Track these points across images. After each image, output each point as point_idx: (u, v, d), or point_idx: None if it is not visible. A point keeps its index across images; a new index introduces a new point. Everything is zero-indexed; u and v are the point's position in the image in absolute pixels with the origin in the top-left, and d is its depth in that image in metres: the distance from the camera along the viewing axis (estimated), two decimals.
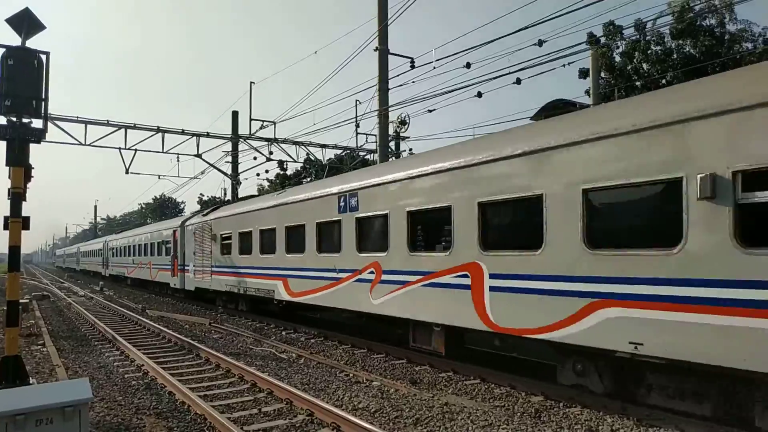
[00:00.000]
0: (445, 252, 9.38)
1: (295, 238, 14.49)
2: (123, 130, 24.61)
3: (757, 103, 5.57)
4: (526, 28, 13.10)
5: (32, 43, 7.67)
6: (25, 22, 7.52)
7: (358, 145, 26.65)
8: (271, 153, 27.46)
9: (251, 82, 26.62)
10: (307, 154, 28.88)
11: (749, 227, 5.63)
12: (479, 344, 10.44)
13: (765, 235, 5.51)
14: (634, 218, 6.92)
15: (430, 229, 10.02)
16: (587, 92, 21.13)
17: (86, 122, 23.79)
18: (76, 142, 23.68)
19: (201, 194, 63.40)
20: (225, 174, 29.26)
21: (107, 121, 24.35)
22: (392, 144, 23.76)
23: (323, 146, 28.88)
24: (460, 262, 9.03)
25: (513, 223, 8.63)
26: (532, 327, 7.74)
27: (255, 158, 28.06)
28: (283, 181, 41.04)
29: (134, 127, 24.89)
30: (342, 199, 12.42)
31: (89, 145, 24.11)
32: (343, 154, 30.79)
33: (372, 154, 27.98)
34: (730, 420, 6.06)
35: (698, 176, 5.90)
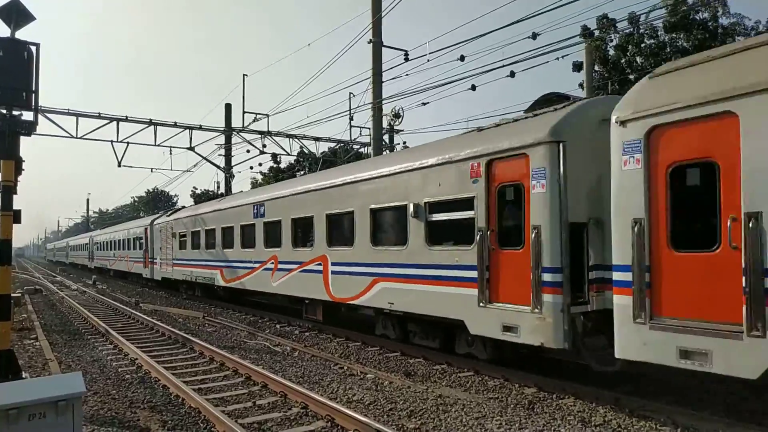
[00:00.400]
0: (311, 248, 13.49)
1: (227, 237, 18.56)
2: (115, 122, 24.42)
3: (438, 163, 9.66)
4: (519, 21, 13.10)
5: (22, 34, 7.58)
6: (14, 13, 7.42)
7: (352, 138, 26.60)
8: (264, 146, 27.37)
9: (244, 75, 26.48)
10: (301, 147, 28.81)
11: (432, 234, 9.73)
12: (333, 311, 13.85)
13: (438, 238, 9.65)
14: (392, 227, 10.99)
15: (304, 231, 14.13)
16: (581, 85, 21.15)
17: (77, 115, 23.58)
18: (68, 135, 23.49)
19: (194, 187, 63.13)
20: (218, 167, 29.14)
21: (99, 113, 24.14)
22: (386, 137, 23.74)
23: (317, 139, 28.78)
24: (317, 254, 13.13)
25: (342, 229, 12.57)
26: (348, 296, 11.95)
27: (248, 151, 27.95)
28: (276, 174, 40.91)
29: (126, 119, 24.68)
30: (255, 208, 16.51)
31: (80, 138, 23.89)
32: (337, 147, 30.71)
33: (366, 147, 27.94)
34: None
35: (411, 204, 9.96)
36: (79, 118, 23.60)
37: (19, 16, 7.51)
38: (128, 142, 25.34)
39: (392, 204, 10.66)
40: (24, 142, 7.69)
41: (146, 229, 28.58)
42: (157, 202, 79.75)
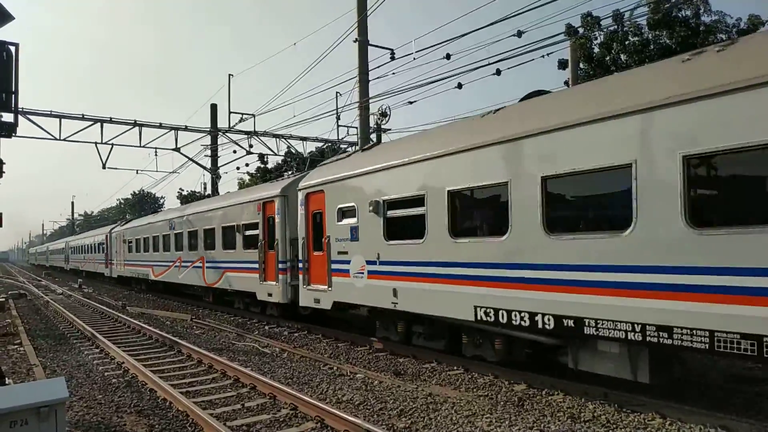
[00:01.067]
0: (197, 251, 20.35)
1: (155, 243, 25.49)
2: (99, 124, 24.14)
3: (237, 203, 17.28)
4: (504, 19, 13.10)
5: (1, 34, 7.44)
6: None
7: (340, 138, 26.51)
8: (251, 146, 27.18)
9: (230, 75, 26.29)
10: (288, 147, 28.65)
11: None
12: (205, 295, 20.90)
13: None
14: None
15: (196, 240, 20.49)
16: (566, 83, 21.25)
17: (60, 116, 23.25)
18: (50, 137, 23.16)
19: (180, 189, 62.74)
20: (204, 168, 28.91)
21: (82, 115, 23.83)
22: (373, 136, 23.68)
23: (304, 139, 28.64)
24: (199, 256, 20.12)
25: (212, 239, 18.96)
26: (212, 283, 19.07)
27: (235, 152, 27.73)
28: (264, 175, 40.67)
29: (110, 121, 24.40)
30: (170, 223, 23.54)
31: (64, 140, 23.57)
32: (325, 146, 30.59)
33: (353, 147, 27.86)
34: None
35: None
36: (62, 120, 23.30)
37: None
38: (113, 144, 25.08)
39: (228, 224, 17.94)
40: (5, 144, 7.55)
41: (106, 236, 36.49)
42: (144, 204, 78.95)
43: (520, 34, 13.27)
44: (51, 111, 23.09)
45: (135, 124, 24.93)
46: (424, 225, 9.34)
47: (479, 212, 9.03)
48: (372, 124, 18.84)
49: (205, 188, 34.64)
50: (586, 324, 6.78)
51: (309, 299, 12.97)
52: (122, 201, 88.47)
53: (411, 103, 19.65)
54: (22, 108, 20.91)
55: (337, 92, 23.11)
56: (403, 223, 10.07)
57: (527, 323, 7.56)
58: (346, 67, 20.01)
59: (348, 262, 11.39)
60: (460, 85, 16.71)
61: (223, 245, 18.14)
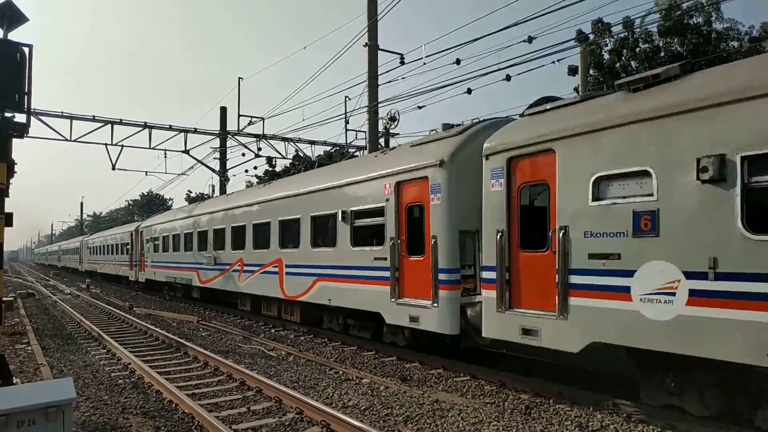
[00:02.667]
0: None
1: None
2: (109, 125, 24.30)
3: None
4: (515, 24, 13.10)
5: (15, 35, 7.51)
6: (6, 14, 7.35)
7: (348, 142, 26.56)
8: (259, 149, 27.29)
9: (239, 78, 26.43)
10: (296, 150, 28.73)
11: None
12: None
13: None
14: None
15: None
16: (576, 89, 21.19)
17: (71, 117, 23.41)
18: (61, 138, 23.34)
19: (189, 191, 62.86)
20: (213, 170, 29.03)
21: (93, 116, 23.99)
22: (382, 140, 23.70)
23: (312, 143, 28.73)
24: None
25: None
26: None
27: (243, 154, 27.86)
28: (271, 178, 40.77)
29: (121, 122, 24.56)
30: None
31: (74, 141, 23.73)
32: (333, 150, 30.66)
33: (362, 151, 27.89)
34: None
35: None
36: (74, 121, 23.47)
37: (12, 18, 7.44)
38: (123, 145, 25.23)
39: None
40: (18, 145, 7.62)
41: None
42: (152, 205, 79.34)
43: (530, 39, 13.28)
44: (62, 112, 23.28)
45: (145, 125, 25.09)
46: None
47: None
48: (381, 128, 18.87)
49: (213, 190, 34.78)
50: None
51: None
52: (131, 202, 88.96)
53: (420, 107, 19.70)
54: (34, 109, 21.08)
55: (346, 96, 23.20)
56: None
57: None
58: (355, 71, 20.05)
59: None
60: (469, 91, 16.75)
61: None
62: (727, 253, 5.60)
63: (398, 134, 25.20)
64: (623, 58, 24.38)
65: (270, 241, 15.15)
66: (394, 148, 13.56)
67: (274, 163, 29.67)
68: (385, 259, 10.55)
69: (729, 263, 5.59)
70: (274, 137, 27.11)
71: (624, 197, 6.55)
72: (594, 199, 6.86)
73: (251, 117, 26.15)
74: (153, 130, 25.31)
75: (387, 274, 10.50)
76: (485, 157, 8.42)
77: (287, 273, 14.19)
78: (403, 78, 18.40)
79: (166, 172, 29.99)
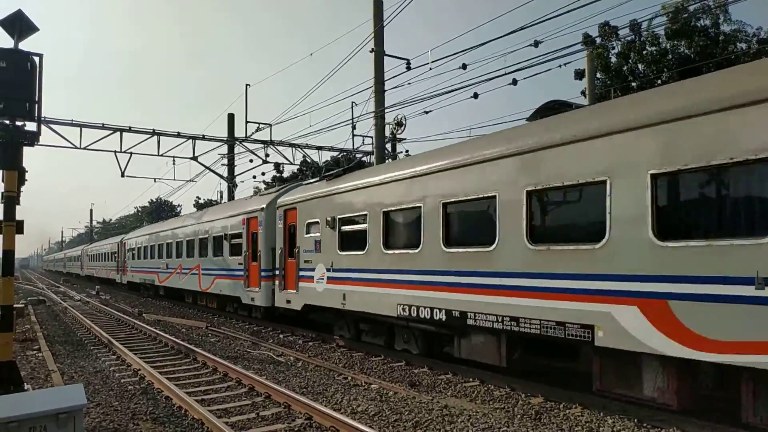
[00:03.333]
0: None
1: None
2: (118, 133, 24.49)
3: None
4: (522, 28, 13.09)
5: (26, 44, 7.60)
6: (18, 24, 7.44)
7: (355, 147, 26.60)
8: (267, 155, 27.36)
9: (247, 85, 26.55)
10: (304, 156, 28.82)
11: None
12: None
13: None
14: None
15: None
16: (583, 93, 21.13)
17: (81, 125, 23.60)
18: (71, 146, 23.54)
19: (197, 197, 63.27)
20: (221, 177, 29.19)
21: (102, 124, 24.19)
22: (389, 145, 23.73)
23: (319, 148, 28.79)
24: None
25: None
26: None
27: (251, 161, 27.94)
28: (280, 183, 40.92)
29: (129, 130, 24.73)
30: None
31: (84, 148, 23.94)
32: (340, 156, 30.73)
33: (369, 156, 27.93)
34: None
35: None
36: (83, 129, 23.68)
37: (22, 27, 7.54)
38: (131, 153, 25.40)
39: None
40: (28, 152, 7.69)
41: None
42: (161, 211, 79.80)
43: (537, 44, 13.27)
44: (72, 120, 23.49)
45: (153, 133, 25.26)
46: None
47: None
48: (387, 133, 18.90)
49: (221, 197, 34.96)
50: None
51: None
52: (140, 209, 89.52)
53: (427, 112, 19.73)
54: (45, 117, 21.29)
55: (352, 102, 23.26)
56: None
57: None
58: (362, 77, 20.10)
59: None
60: (476, 95, 16.73)
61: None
62: (333, 258, 12.73)
63: (405, 139, 25.27)
64: (630, 61, 24.31)
65: (194, 253, 22.80)
66: (251, 196, 22.94)
67: (281, 169, 29.79)
68: (242, 264, 17.71)
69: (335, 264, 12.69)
70: (281, 143, 27.21)
71: (312, 233, 13.66)
72: (306, 233, 13.91)
73: (259, 123, 26.26)
74: (161, 138, 25.48)
75: (242, 272, 17.69)
76: (277, 207, 15.63)
77: (203, 274, 21.67)
78: (409, 83, 18.44)
79: (174, 179, 30.16)
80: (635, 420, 6.73)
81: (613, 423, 6.73)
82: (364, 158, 28.64)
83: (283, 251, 15.03)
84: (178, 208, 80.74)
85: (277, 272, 15.37)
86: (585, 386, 7.66)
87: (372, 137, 19.68)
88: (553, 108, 9.61)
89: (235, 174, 29.42)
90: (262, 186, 43.47)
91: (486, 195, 8.61)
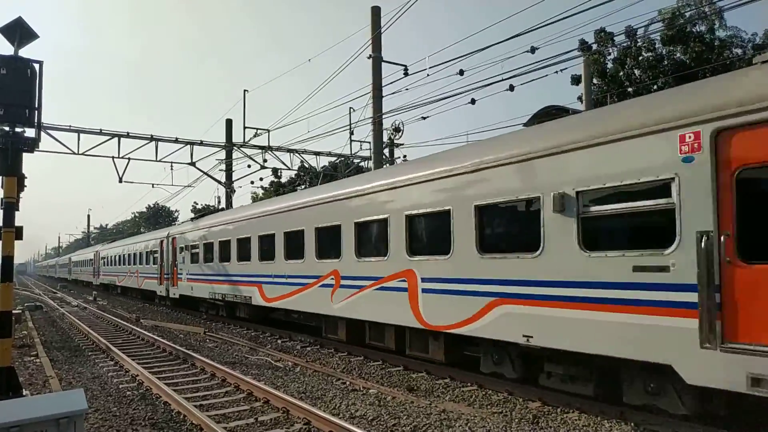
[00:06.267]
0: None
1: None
2: (116, 138, 24.52)
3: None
4: (518, 35, 13.19)
5: (26, 51, 7.65)
6: (18, 32, 7.50)
7: (353, 152, 26.69)
8: (265, 161, 27.45)
9: (245, 90, 26.62)
10: (302, 161, 28.89)
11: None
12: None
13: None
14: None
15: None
16: (580, 98, 21.26)
17: (79, 131, 23.65)
18: (69, 152, 23.56)
19: (195, 202, 63.28)
20: (219, 182, 29.21)
21: (100, 130, 24.22)
22: (386, 151, 23.81)
23: (317, 154, 28.86)
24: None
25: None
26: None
27: (249, 166, 28.04)
28: (277, 189, 40.99)
29: (128, 135, 24.77)
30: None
31: (82, 154, 23.97)
32: (338, 161, 30.81)
33: (366, 161, 28.01)
34: None
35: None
36: (81, 135, 23.71)
37: (22, 35, 7.59)
38: (129, 158, 25.42)
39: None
40: (27, 159, 7.72)
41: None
42: (158, 217, 79.74)
43: (533, 50, 13.35)
44: (70, 126, 23.52)
45: (152, 138, 25.31)
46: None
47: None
48: (385, 139, 18.97)
49: (219, 202, 34.97)
50: None
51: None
52: (137, 214, 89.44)
53: (424, 118, 19.79)
54: (44, 124, 21.31)
55: (350, 108, 23.36)
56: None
57: None
58: (359, 82, 20.19)
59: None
60: (473, 101, 16.81)
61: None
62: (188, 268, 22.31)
63: (403, 144, 25.35)
64: (626, 66, 24.46)
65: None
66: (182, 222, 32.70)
67: (279, 174, 29.81)
68: (157, 270, 26.56)
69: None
70: (279, 149, 27.27)
71: (184, 252, 22.79)
72: (181, 251, 23.34)
73: (257, 129, 26.33)
74: (159, 143, 25.53)
75: (157, 275, 26.64)
76: (169, 236, 24.59)
77: (140, 275, 31.26)
78: (407, 89, 18.53)
79: (172, 184, 30.17)
80: (632, 424, 6.76)
81: (611, 427, 6.77)
82: (362, 163, 28.73)
83: (172, 262, 24.12)
84: (176, 213, 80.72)
85: (169, 276, 24.42)
86: (583, 391, 7.68)
87: (370, 142, 19.78)
88: (550, 113, 9.69)
89: (234, 179, 29.46)
90: (260, 191, 43.57)
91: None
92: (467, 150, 9.76)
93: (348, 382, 9.67)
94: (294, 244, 14.04)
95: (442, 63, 19.26)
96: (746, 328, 5.33)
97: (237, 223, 17.91)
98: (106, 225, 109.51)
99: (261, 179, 31.77)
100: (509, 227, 8.50)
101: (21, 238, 7.63)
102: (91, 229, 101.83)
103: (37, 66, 7.65)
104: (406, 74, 16.84)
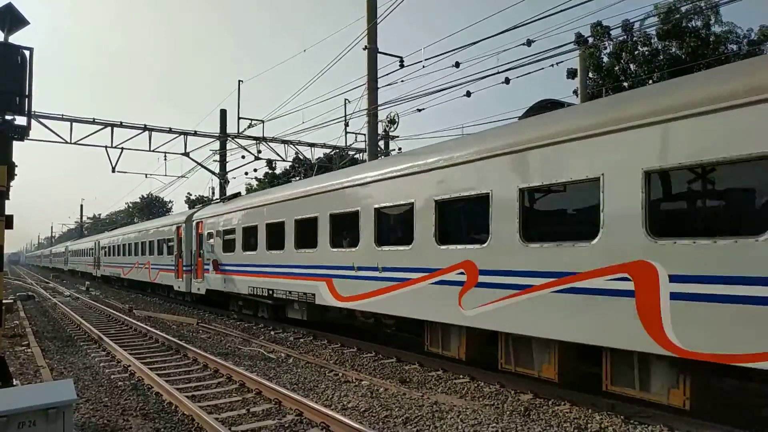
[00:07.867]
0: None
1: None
2: (109, 128, 24.34)
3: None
4: (514, 27, 13.12)
5: (16, 38, 7.54)
6: (8, 18, 7.38)
7: (348, 144, 26.60)
8: (259, 152, 27.28)
9: (239, 81, 26.45)
10: (296, 153, 28.77)
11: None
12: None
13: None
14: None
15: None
16: (575, 92, 21.24)
17: (72, 120, 23.46)
18: (61, 140, 23.37)
19: (189, 193, 62.93)
20: (213, 173, 29.06)
21: (93, 119, 24.04)
22: (381, 143, 23.75)
23: (312, 145, 28.75)
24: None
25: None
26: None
27: (243, 157, 27.87)
28: (271, 180, 40.83)
29: (121, 125, 24.59)
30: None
31: (75, 143, 23.77)
32: (332, 153, 30.71)
33: (361, 153, 27.95)
34: None
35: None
36: (74, 124, 23.51)
37: (12, 21, 7.47)
38: (123, 148, 25.25)
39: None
40: (18, 147, 7.63)
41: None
42: (152, 207, 79.38)
43: (529, 43, 13.29)
44: (62, 115, 23.32)
45: (145, 128, 25.12)
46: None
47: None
48: (380, 131, 18.90)
49: (213, 193, 34.84)
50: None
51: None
52: (130, 204, 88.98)
53: (420, 110, 19.73)
54: (35, 111, 21.12)
55: (345, 99, 23.24)
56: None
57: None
58: (355, 74, 20.09)
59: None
60: (468, 94, 16.76)
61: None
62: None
63: (398, 137, 25.30)
64: (622, 61, 24.44)
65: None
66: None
67: (274, 165, 29.69)
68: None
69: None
70: (274, 140, 27.12)
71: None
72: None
73: (251, 120, 26.16)
74: (153, 133, 25.35)
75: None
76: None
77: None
78: (402, 81, 18.45)
79: (166, 175, 29.99)
80: (622, 417, 6.80)
81: (601, 419, 6.80)
82: (357, 155, 28.65)
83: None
84: (170, 204, 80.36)
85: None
86: (574, 383, 7.71)
87: (365, 134, 19.70)
88: (545, 107, 9.65)
89: (228, 170, 29.33)
90: (255, 183, 43.40)
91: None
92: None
93: (341, 374, 9.68)
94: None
95: (439, 55, 19.18)
96: None
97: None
98: (99, 215, 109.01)
99: (255, 170, 31.59)
100: None
101: (11, 227, 7.54)
102: (84, 219, 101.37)
103: (27, 53, 7.54)
104: (402, 66, 16.74)
